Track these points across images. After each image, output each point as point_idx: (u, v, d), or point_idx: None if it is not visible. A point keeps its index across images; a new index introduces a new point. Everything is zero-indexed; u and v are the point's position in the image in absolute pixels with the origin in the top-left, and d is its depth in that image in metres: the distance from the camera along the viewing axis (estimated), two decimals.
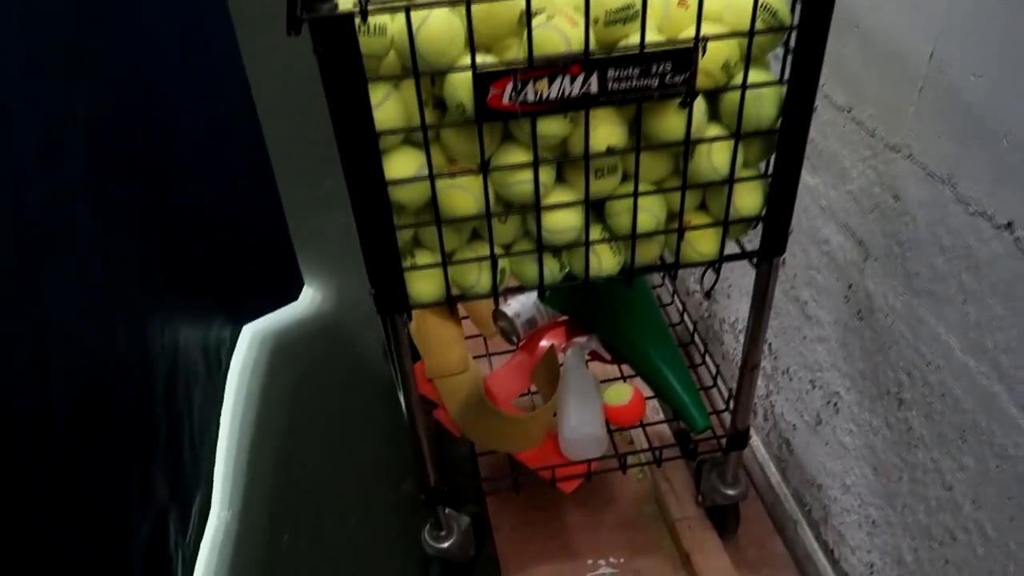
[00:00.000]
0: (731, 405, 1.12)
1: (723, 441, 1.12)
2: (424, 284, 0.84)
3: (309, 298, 1.77)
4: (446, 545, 1.11)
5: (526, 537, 1.26)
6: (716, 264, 0.89)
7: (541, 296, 0.87)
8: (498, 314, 1.29)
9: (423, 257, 0.84)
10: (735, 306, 1.40)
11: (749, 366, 1.02)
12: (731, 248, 0.90)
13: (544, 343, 1.29)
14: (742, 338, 1.40)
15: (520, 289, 0.88)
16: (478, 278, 0.85)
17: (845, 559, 1.11)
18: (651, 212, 0.83)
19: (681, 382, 1.13)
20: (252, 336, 1.68)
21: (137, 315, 1.13)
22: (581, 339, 1.24)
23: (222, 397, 1.50)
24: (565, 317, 1.31)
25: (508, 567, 1.22)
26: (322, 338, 1.68)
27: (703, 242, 0.87)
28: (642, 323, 1.18)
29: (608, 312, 1.20)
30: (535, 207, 0.79)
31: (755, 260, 0.90)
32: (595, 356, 1.23)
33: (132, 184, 1.19)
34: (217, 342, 1.51)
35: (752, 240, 0.91)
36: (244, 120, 1.51)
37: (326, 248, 1.91)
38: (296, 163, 2.05)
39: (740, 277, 1.36)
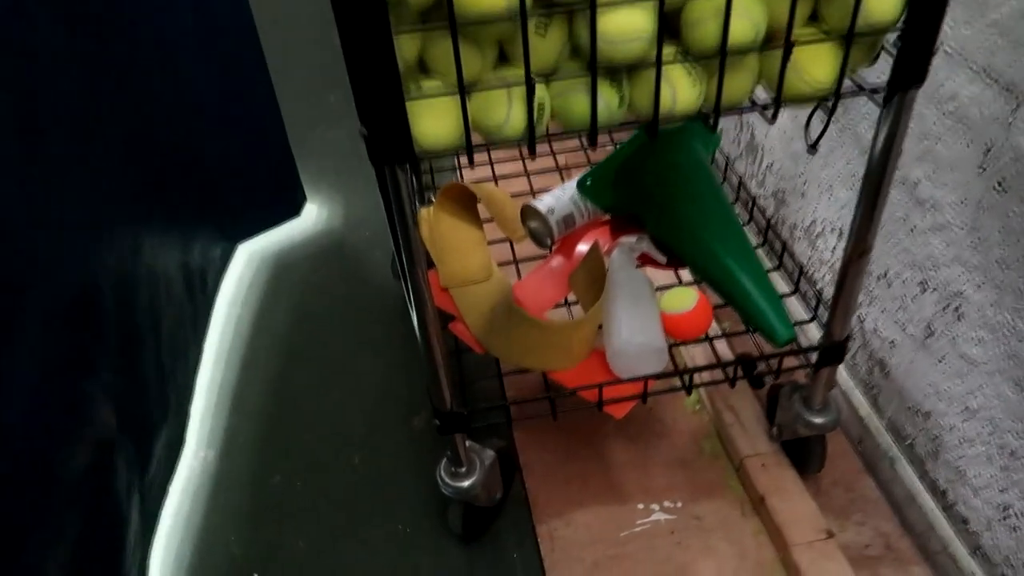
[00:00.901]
0: (818, 312, 0.90)
1: (811, 356, 0.90)
2: (433, 120, 0.61)
3: (313, 215, 1.56)
4: (467, 484, 0.90)
5: (562, 477, 1.05)
6: (830, 99, 0.65)
7: (592, 142, 0.64)
8: (528, 211, 1.06)
9: (432, 86, 0.61)
10: (811, 206, 1.16)
11: (857, 252, 0.79)
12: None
13: (583, 246, 1.06)
14: (820, 243, 1.17)
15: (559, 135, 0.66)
16: (507, 114, 0.62)
17: (964, 501, 0.89)
18: (748, 17, 0.60)
19: (758, 284, 0.91)
20: (249, 256, 1.46)
21: (100, 224, 0.92)
22: (629, 239, 1.02)
23: (206, 322, 1.29)
24: (607, 217, 1.08)
25: (541, 512, 1.01)
26: (326, 258, 1.46)
27: (815, 65, 0.63)
28: (707, 214, 0.95)
29: (664, 203, 0.97)
30: (589, 2, 0.56)
31: (883, 94, 0.66)
32: (646, 260, 1.00)
33: (107, 81, 0.97)
34: (203, 259, 1.29)
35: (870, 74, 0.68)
36: (236, 15, 1.28)
37: (331, 164, 1.69)
38: (299, 78, 1.84)
39: (819, 168, 1.12)
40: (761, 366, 0.93)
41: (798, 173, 1.19)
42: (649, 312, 0.90)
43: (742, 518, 1.00)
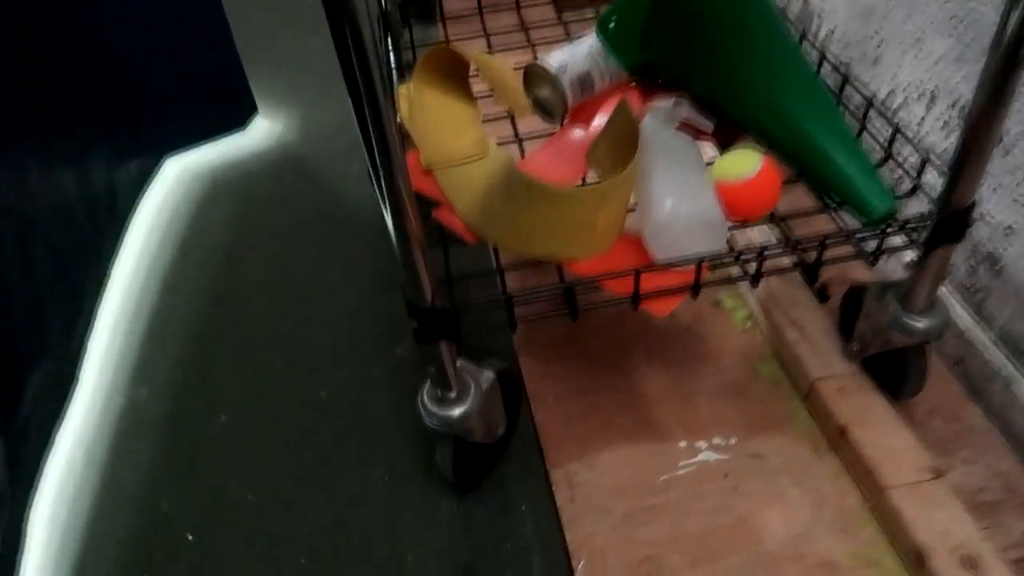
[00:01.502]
0: (921, 180, 0.67)
1: (918, 234, 0.67)
2: None
3: (264, 130, 1.31)
4: (458, 412, 0.68)
5: (582, 410, 0.83)
6: None
7: None
8: (534, 74, 0.83)
9: None
10: (888, 72, 0.92)
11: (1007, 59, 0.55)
12: None
13: (603, 115, 0.83)
14: (903, 116, 0.93)
15: None
16: None
17: None
18: None
19: (845, 146, 0.68)
20: (181, 171, 1.22)
21: None
22: (664, 102, 0.79)
23: (116, 243, 1.06)
24: (633, 82, 0.85)
25: (556, 453, 0.79)
26: (283, 175, 1.22)
27: None
28: (775, 61, 0.72)
29: (716, 51, 0.74)
30: None
31: None
32: (686, 130, 0.78)
33: None
34: (109, 173, 1.05)
35: None
36: None
37: (291, 74, 1.45)
38: None
39: (901, 21, 0.89)
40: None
41: (870, 34, 0.95)
42: (698, 176, 0.67)
43: (815, 457, 0.78)
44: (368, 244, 1.08)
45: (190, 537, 0.77)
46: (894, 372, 0.77)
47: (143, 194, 1.16)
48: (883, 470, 0.72)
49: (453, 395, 0.69)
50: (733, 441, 0.79)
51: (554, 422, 0.82)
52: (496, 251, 0.72)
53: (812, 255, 0.69)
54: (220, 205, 1.17)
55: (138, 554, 0.76)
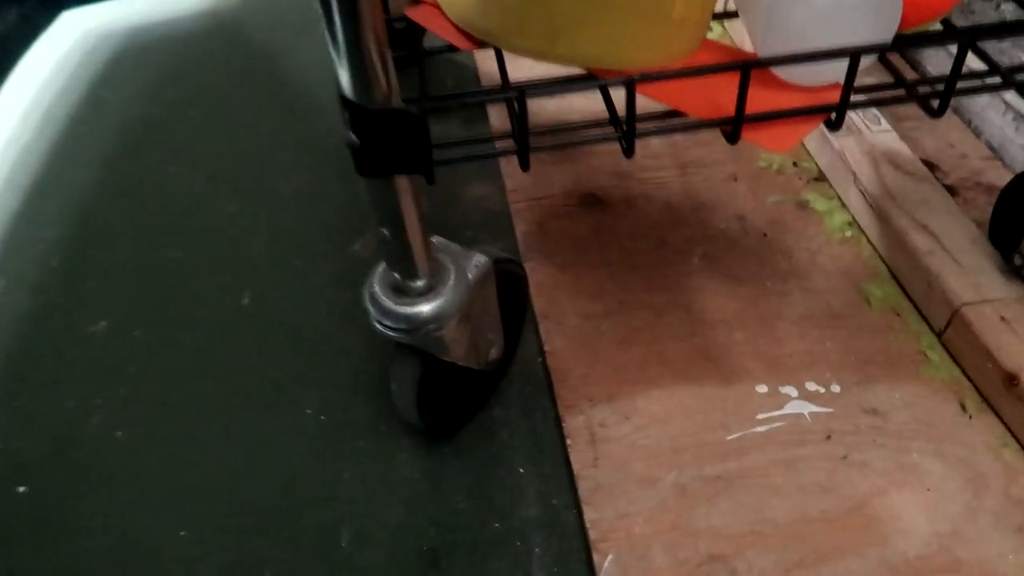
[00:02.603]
0: None
1: None
2: None
3: None
4: (426, 310, 0.42)
5: (611, 336, 0.57)
6: None
7: None
8: None
9: None
10: None
11: None
12: None
13: None
14: None
15: None
16: None
17: None
18: None
19: None
20: (84, 31, 0.95)
21: None
22: None
23: None
24: None
25: (572, 395, 0.53)
26: (218, 38, 0.95)
27: None
28: None
29: None
30: None
31: None
32: None
33: None
34: None
35: None
36: None
37: None
38: None
39: None
40: None
41: None
42: None
43: (963, 416, 0.52)
44: (327, 123, 0.82)
45: (21, 490, 0.51)
46: None
47: (26, 52, 0.89)
48: None
49: (421, 283, 0.43)
50: (836, 389, 0.54)
51: (573, 351, 0.56)
52: (502, 59, 0.46)
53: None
54: (132, 72, 0.90)
55: None
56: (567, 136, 0.43)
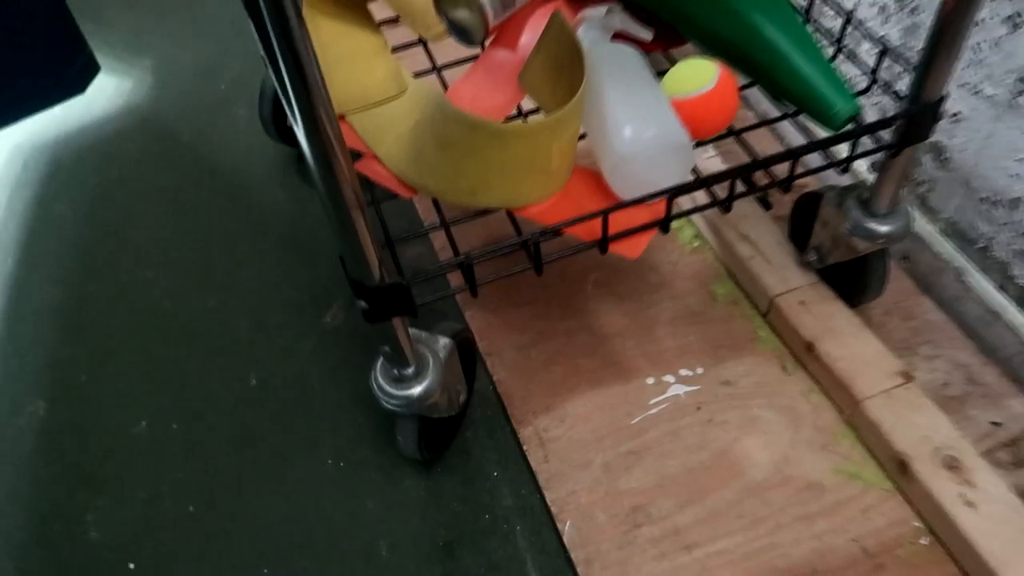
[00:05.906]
0: (878, 75, 0.62)
1: (882, 136, 0.63)
2: None
3: (110, 89, 1.13)
4: (419, 390, 0.61)
5: (541, 361, 0.77)
6: None
7: None
8: None
9: None
10: None
11: None
12: None
13: (530, 34, 0.74)
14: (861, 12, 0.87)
15: None
16: None
17: None
18: None
19: (800, 46, 0.62)
20: (12, 150, 1.04)
21: None
22: (595, 11, 0.71)
23: None
24: None
25: (521, 410, 0.74)
26: (149, 135, 1.06)
27: None
28: None
29: None
30: None
31: None
32: (624, 41, 0.70)
33: None
34: None
35: None
36: None
37: (133, 21, 1.26)
38: None
39: None
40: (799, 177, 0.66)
41: None
42: (654, 93, 0.60)
43: (784, 375, 0.76)
44: (270, 198, 0.97)
45: (131, 566, 0.68)
46: (855, 278, 0.75)
47: None
48: (856, 381, 0.70)
49: (411, 371, 0.61)
50: (700, 371, 0.76)
51: (514, 377, 0.76)
52: (438, 204, 0.64)
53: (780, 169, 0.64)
54: (74, 179, 1.01)
55: None
56: (495, 268, 0.62)
